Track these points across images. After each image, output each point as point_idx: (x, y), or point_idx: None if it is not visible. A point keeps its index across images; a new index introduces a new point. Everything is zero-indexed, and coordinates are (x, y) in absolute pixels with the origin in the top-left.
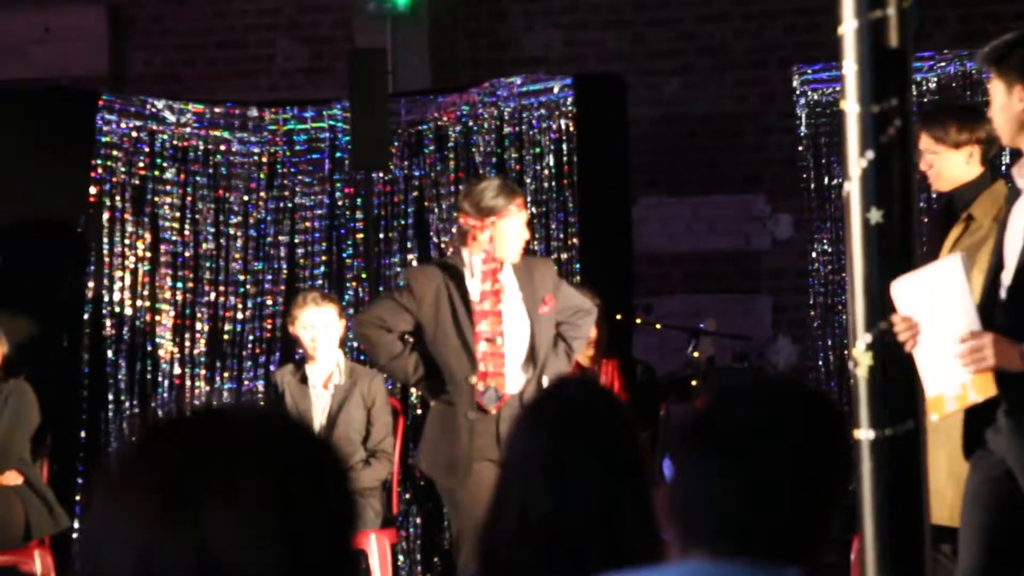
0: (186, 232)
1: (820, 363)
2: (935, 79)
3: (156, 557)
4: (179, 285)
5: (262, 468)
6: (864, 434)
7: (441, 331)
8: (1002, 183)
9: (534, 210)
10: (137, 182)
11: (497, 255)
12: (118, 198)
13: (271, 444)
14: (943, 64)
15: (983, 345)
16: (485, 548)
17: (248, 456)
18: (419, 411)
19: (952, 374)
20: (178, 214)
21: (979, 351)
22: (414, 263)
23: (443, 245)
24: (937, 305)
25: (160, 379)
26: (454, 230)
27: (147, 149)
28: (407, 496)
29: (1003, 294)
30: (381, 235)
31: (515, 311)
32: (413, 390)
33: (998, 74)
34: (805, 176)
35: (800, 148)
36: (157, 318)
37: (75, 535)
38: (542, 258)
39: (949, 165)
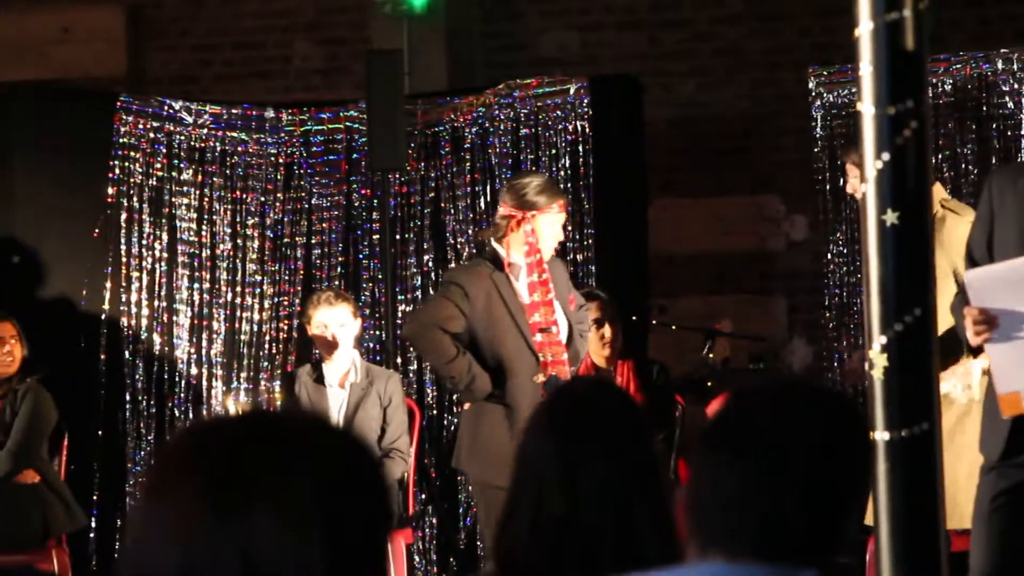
0: (203, 233)
1: (835, 364)
2: (951, 82)
3: (200, 556)
4: (196, 286)
5: (306, 470)
6: (879, 435)
7: (498, 330)
8: (938, 185)
9: None
10: (154, 183)
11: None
12: (135, 199)
13: (315, 446)
14: (959, 66)
15: None
16: (501, 548)
17: (293, 458)
18: (434, 411)
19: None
20: (195, 215)
21: None
22: (430, 264)
23: (459, 246)
24: (1019, 302)
25: (177, 379)
26: (490, 224)
27: (164, 150)
28: (423, 496)
29: None
30: (397, 236)
31: (558, 304)
32: (431, 390)
33: None
34: (820, 178)
35: (815, 150)
36: (174, 318)
37: (92, 534)
38: (557, 259)
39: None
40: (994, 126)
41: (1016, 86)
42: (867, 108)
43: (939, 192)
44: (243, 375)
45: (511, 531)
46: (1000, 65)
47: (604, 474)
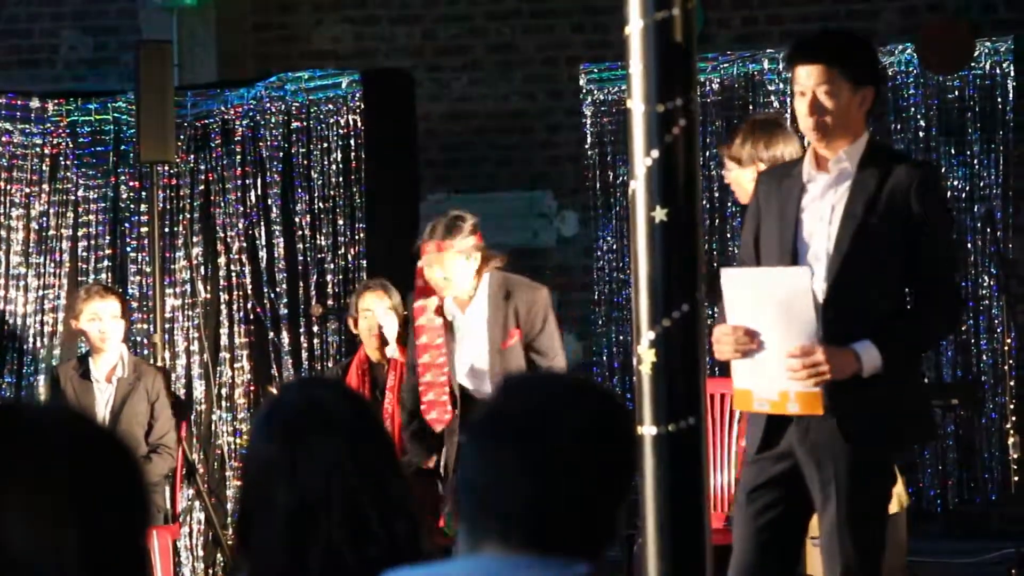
0: None
1: (604, 359)
2: (718, 79)
3: None
4: None
5: (60, 467)
6: (646, 430)
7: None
8: None
9: (321, 205)
10: None
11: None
12: None
13: (72, 444)
14: (726, 65)
15: (820, 361)
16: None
17: (46, 455)
18: (202, 407)
19: (773, 378)
20: None
21: (816, 366)
22: (199, 258)
23: (229, 239)
24: (772, 308)
25: None
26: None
27: None
28: (190, 492)
29: (819, 294)
30: (166, 229)
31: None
32: (199, 385)
33: (839, 71)
34: (591, 174)
35: (586, 146)
36: None
37: None
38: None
39: (739, 180)
40: None
41: (782, 85)
42: (637, 106)
43: None
44: (6, 369)
45: (252, 534)
46: (766, 64)
47: (328, 469)
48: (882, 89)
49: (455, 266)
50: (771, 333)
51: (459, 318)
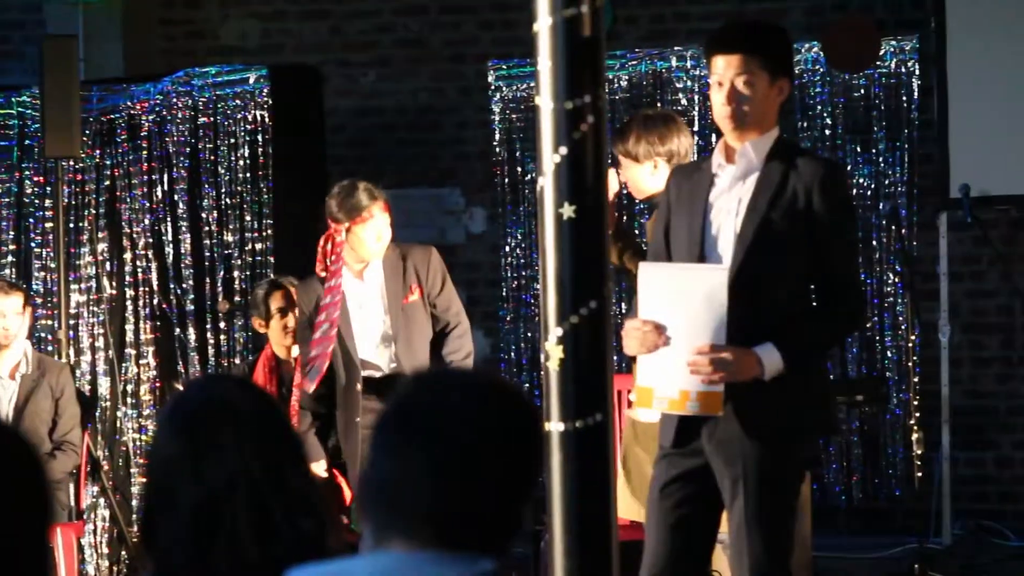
0: None
1: (512, 355)
2: (627, 77)
3: None
4: None
5: None
6: (554, 426)
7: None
8: None
9: (228, 201)
10: None
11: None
12: None
13: None
14: (634, 62)
15: (727, 360)
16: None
17: None
18: (107, 403)
19: (675, 377)
20: None
21: (722, 365)
22: (104, 253)
23: (135, 235)
24: (686, 305)
25: None
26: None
27: None
28: (95, 489)
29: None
30: (71, 224)
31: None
32: (104, 381)
33: (757, 61)
34: (499, 171)
35: (495, 143)
36: None
37: None
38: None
39: (636, 177)
40: None
41: (689, 83)
42: (545, 102)
43: None
44: None
45: (156, 531)
46: (674, 62)
47: (233, 466)
48: (793, 81)
49: (388, 226)
50: (680, 331)
51: (357, 286)
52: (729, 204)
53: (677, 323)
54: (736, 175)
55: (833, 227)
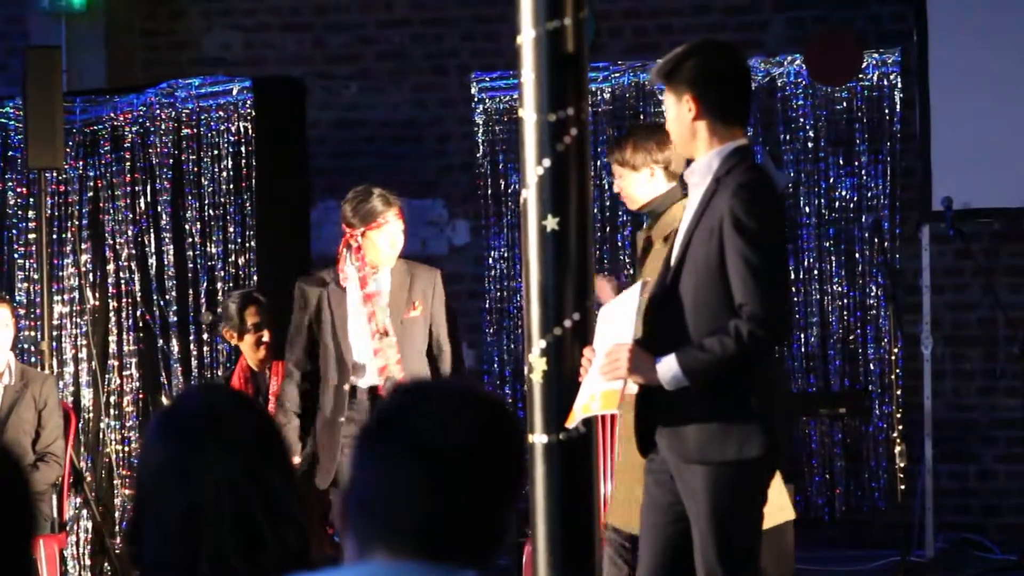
0: None
1: (496, 367)
2: (610, 89)
3: None
4: None
5: None
6: (538, 438)
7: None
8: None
9: (211, 212)
10: None
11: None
12: None
13: None
14: (617, 75)
15: (620, 356)
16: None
17: None
18: (90, 414)
19: (588, 384)
20: None
21: (616, 361)
22: (88, 264)
23: (118, 246)
24: (609, 327)
25: None
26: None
27: None
28: (77, 501)
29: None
30: (54, 236)
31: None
32: (87, 393)
33: (669, 87)
34: (482, 183)
35: (478, 155)
36: None
37: None
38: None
39: (632, 186)
40: None
41: None
42: (528, 114)
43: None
44: None
45: (142, 540)
46: None
47: (220, 476)
48: (712, 93)
49: (401, 233)
50: (600, 347)
51: (359, 293)
52: (683, 227)
53: (602, 344)
54: (692, 197)
55: (739, 249)
